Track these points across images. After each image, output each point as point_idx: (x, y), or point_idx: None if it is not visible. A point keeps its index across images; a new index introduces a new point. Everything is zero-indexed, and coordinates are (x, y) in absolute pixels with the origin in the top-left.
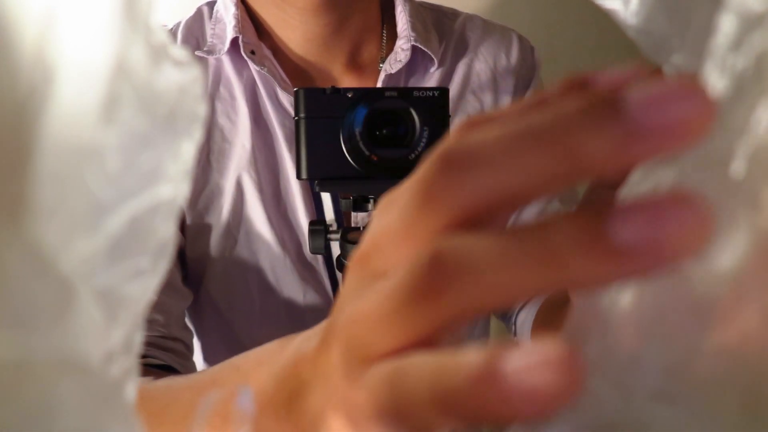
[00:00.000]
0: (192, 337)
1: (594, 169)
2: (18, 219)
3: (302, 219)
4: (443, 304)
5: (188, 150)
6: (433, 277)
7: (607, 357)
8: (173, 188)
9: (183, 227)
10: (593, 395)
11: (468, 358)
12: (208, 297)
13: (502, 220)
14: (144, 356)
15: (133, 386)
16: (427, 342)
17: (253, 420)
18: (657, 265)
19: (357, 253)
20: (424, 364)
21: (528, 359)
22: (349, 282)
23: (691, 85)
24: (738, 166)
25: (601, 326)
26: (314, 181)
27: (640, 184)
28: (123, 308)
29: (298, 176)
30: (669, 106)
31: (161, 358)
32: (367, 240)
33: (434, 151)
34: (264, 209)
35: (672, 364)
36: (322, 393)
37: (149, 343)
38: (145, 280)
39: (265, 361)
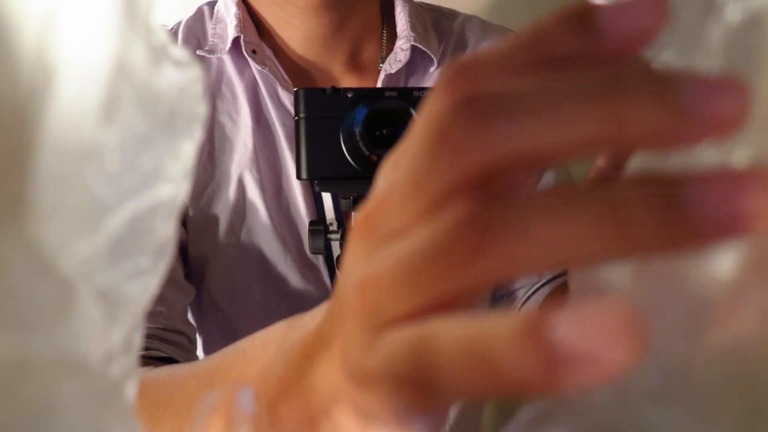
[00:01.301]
0: (195, 332)
1: (636, 140)
2: (18, 219)
3: (303, 218)
4: (478, 267)
5: (188, 150)
6: (471, 236)
7: None
8: (173, 188)
9: (185, 223)
10: (591, 396)
11: (512, 321)
12: (210, 294)
13: (517, 188)
14: (146, 348)
15: (133, 386)
16: (447, 307)
17: (264, 403)
18: (732, 235)
19: (361, 216)
20: (456, 329)
21: (585, 321)
22: (354, 247)
23: (738, 82)
24: (738, 159)
25: None
26: (314, 181)
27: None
28: (123, 308)
29: (298, 176)
30: (723, 98)
31: (163, 351)
32: (372, 201)
33: (443, 100)
34: (266, 208)
35: (670, 365)
36: (329, 369)
37: (151, 335)
38: (145, 280)
39: (272, 343)
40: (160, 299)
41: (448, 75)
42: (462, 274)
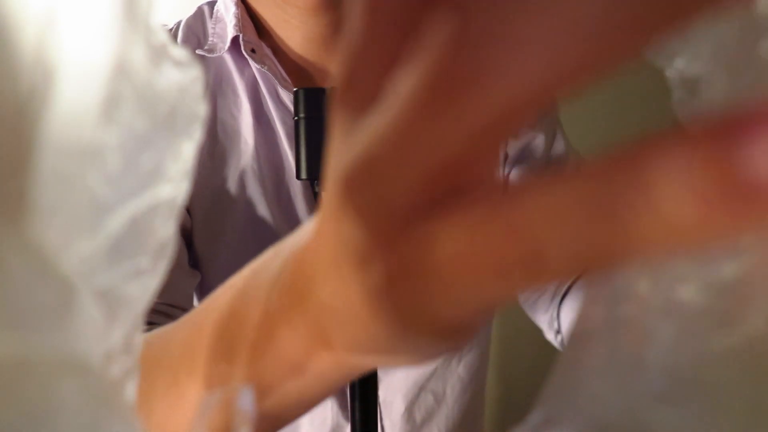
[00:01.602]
0: None
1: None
2: (18, 219)
3: (304, 216)
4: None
5: (188, 150)
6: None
7: (611, 358)
8: (173, 188)
9: (191, 213)
10: (597, 396)
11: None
12: (212, 291)
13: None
14: (151, 323)
15: (133, 386)
16: (471, 171)
17: (264, 334)
18: None
19: (336, 93)
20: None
21: None
22: (336, 132)
23: None
24: None
25: (606, 328)
26: (314, 181)
27: None
28: (123, 308)
29: (298, 176)
30: None
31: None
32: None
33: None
34: (267, 205)
35: (677, 366)
36: (339, 281)
37: (156, 311)
38: (145, 280)
39: (261, 270)
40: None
41: None
42: (456, 118)
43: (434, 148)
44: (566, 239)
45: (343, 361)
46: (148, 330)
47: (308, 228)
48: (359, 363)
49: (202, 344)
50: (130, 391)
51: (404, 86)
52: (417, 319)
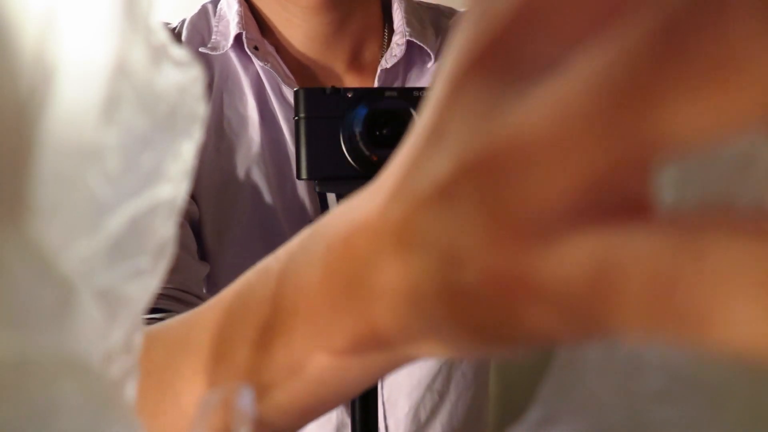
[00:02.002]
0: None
1: None
2: (18, 219)
3: (309, 212)
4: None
5: (188, 150)
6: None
7: (610, 359)
8: (173, 188)
9: (198, 203)
10: (595, 394)
11: None
12: (218, 288)
13: None
14: (161, 310)
15: (133, 386)
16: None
17: (305, 321)
18: None
19: (471, 52)
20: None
21: None
22: (463, 92)
23: None
24: None
25: None
26: (314, 181)
27: None
28: (123, 308)
29: (298, 176)
30: None
31: (180, 312)
32: (487, 29)
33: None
34: (273, 202)
35: (677, 366)
36: (404, 270)
37: (167, 296)
38: (145, 280)
39: (298, 252)
40: (175, 265)
41: None
42: (659, 121)
43: (600, 157)
44: None
45: (385, 348)
46: (163, 317)
47: (361, 200)
48: (404, 354)
49: (232, 327)
50: (130, 391)
51: (583, 74)
52: (494, 332)
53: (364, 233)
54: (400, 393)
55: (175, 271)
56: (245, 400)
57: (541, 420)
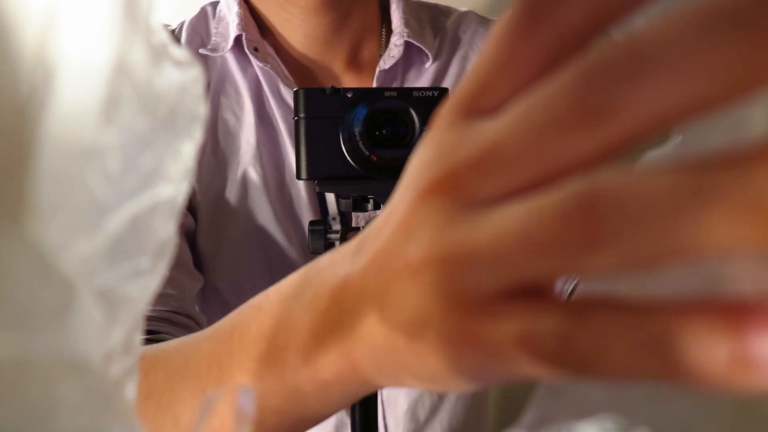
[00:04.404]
0: (204, 320)
1: None
2: (18, 219)
3: (307, 212)
4: (584, 261)
5: (188, 150)
6: (580, 227)
7: None
8: (173, 188)
9: (195, 214)
10: (590, 396)
11: (701, 310)
12: (215, 290)
13: None
14: (156, 332)
15: (133, 386)
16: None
17: (298, 356)
18: None
19: (441, 171)
20: (614, 313)
21: None
22: (431, 207)
23: None
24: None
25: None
26: (314, 181)
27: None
28: (123, 308)
29: (298, 176)
30: None
31: (174, 335)
32: (454, 158)
33: (569, 65)
34: (269, 203)
35: None
36: (378, 324)
37: (162, 318)
38: (145, 280)
39: (289, 295)
40: (171, 282)
41: (529, 2)
42: (568, 261)
43: (526, 270)
44: None
45: (364, 382)
46: (155, 339)
47: (344, 258)
48: (380, 385)
49: (230, 358)
50: (130, 391)
51: (516, 214)
52: (458, 373)
53: (347, 290)
54: (400, 392)
55: (169, 293)
56: (245, 400)
57: (536, 422)
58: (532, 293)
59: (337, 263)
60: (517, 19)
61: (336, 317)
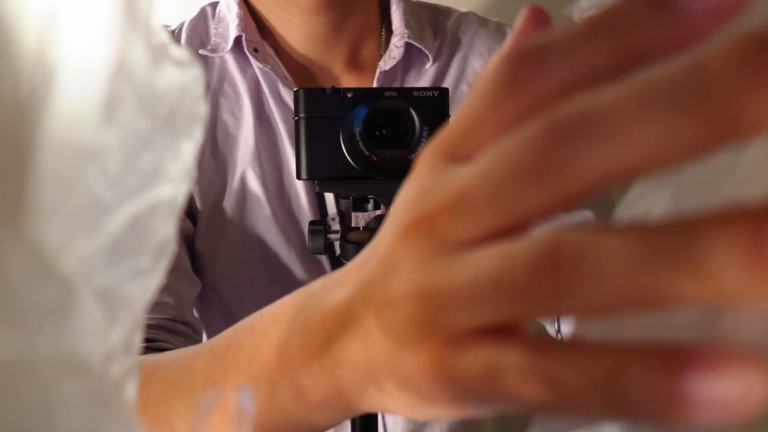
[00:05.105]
0: (201, 325)
1: (746, 133)
2: (18, 219)
3: (306, 213)
4: (550, 307)
5: (188, 150)
6: (547, 277)
7: None
8: (173, 188)
9: (194, 217)
10: None
11: (644, 355)
12: (214, 290)
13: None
14: (153, 340)
15: (133, 386)
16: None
17: (287, 378)
18: None
19: (420, 212)
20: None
21: (721, 369)
22: (410, 245)
23: None
24: (734, 184)
25: (603, 332)
26: (314, 181)
27: (634, 204)
28: (123, 308)
29: (298, 176)
30: None
31: (171, 342)
32: (433, 200)
33: (533, 122)
34: (268, 203)
35: None
36: (362, 348)
37: (159, 326)
38: (145, 280)
39: (281, 317)
40: (169, 290)
41: (513, 65)
42: (535, 306)
43: (490, 314)
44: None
45: (349, 405)
46: (153, 347)
47: (334, 285)
48: (365, 409)
49: (224, 375)
50: (130, 391)
51: (493, 261)
52: (434, 402)
53: (334, 317)
54: None
55: (166, 301)
56: (245, 400)
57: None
58: (502, 329)
59: (328, 290)
60: (501, 76)
61: (323, 342)
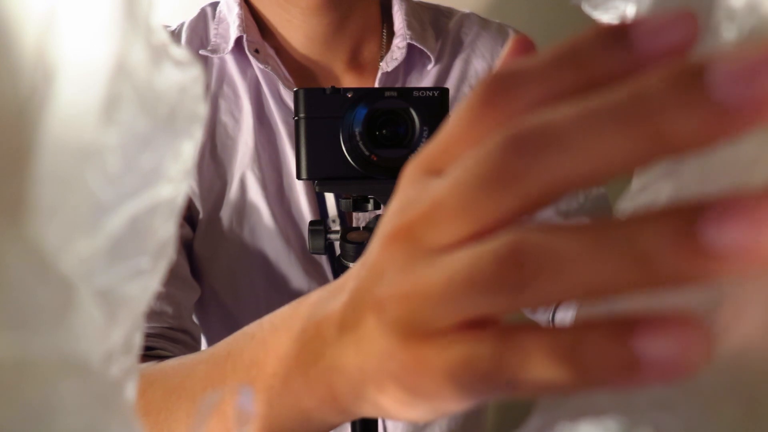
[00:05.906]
0: (200, 332)
1: (679, 149)
2: (18, 219)
3: (306, 215)
4: (516, 299)
5: (188, 150)
6: (511, 272)
7: None
8: (173, 188)
9: (193, 222)
10: (595, 401)
11: (602, 327)
12: (214, 293)
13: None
14: (152, 348)
15: (133, 386)
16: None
17: (284, 384)
18: (749, 268)
19: (400, 222)
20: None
21: (667, 330)
22: (392, 253)
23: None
24: (735, 174)
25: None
26: (314, 181)
27: (638, 195)
28: (123, 308)
29: (298, 176)
30: (759, 78)
31: (170, 350)
32: (410, 210)
33: (496, 134)
34: (268, 206)
35: None
36: (355, 354)
37: (158, 335)
38: (145, 280)
39: (280, 326)
40: (168, 298)
41: (487, 89)
42: (498, 303)
43: (470, 314)
44: None
45: (344, 410)
46: (152, 355)
47: (330, 294)
48: (360, 413)
49: (223, 382)
50: (130, 391)
51: (464, 261)
52: (422, 399)
53: (329, 325)
54: None
55: (165, 310)
56: (245, 400)
57: (540, 428)
58: (477, 324)
59: (325, 300)
60: (476, 98)
61: (318, 349)
